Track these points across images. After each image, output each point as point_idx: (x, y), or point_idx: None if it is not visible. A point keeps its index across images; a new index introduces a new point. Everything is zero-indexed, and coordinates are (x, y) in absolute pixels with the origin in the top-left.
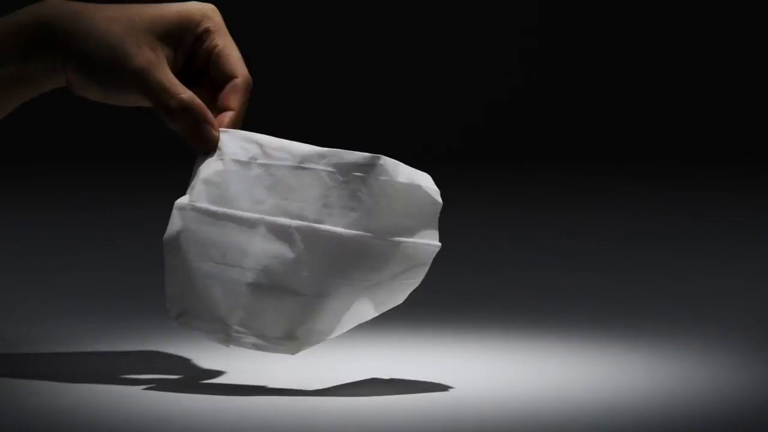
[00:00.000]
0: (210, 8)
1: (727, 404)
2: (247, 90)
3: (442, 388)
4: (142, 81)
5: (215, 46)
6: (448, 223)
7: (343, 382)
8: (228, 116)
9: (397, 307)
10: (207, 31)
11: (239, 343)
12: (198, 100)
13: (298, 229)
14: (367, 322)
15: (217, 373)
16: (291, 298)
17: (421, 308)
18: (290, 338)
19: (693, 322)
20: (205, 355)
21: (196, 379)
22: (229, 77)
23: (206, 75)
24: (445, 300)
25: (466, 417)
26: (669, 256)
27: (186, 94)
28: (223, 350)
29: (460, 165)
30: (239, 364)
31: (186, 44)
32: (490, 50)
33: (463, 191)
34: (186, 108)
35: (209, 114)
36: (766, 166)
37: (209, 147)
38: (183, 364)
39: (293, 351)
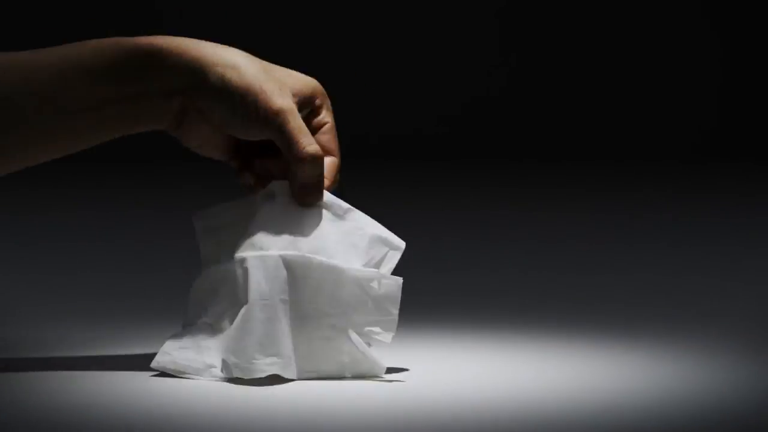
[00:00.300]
0: (322, 87)
1: (726, 404)
2: (338, 169)
3: (442, 388)
4: (281, 122)
5: (326, 123)
6: (448, 223)
7: (343, 382)
8: (334, 160)
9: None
10: (322, 107)
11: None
12: (322, 154)
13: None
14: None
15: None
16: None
17: (420, 308)
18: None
19: (692, 323)
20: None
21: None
22: (329, 153)
23: None
24: (445, 300)
25: (467, 417)
26: (669, 256)
27: (316, 146)
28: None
29: (460, 165)
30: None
31: (304, 109)
32: (489, 50)
33: (463, 191)
34: (317, 159)
35: (332, 168)
36: (766, 166)
37: (317, 199)
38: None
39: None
